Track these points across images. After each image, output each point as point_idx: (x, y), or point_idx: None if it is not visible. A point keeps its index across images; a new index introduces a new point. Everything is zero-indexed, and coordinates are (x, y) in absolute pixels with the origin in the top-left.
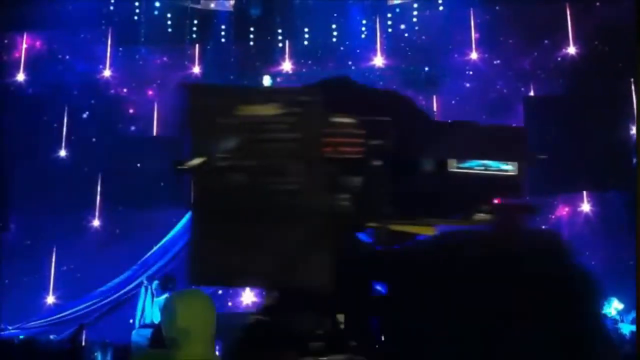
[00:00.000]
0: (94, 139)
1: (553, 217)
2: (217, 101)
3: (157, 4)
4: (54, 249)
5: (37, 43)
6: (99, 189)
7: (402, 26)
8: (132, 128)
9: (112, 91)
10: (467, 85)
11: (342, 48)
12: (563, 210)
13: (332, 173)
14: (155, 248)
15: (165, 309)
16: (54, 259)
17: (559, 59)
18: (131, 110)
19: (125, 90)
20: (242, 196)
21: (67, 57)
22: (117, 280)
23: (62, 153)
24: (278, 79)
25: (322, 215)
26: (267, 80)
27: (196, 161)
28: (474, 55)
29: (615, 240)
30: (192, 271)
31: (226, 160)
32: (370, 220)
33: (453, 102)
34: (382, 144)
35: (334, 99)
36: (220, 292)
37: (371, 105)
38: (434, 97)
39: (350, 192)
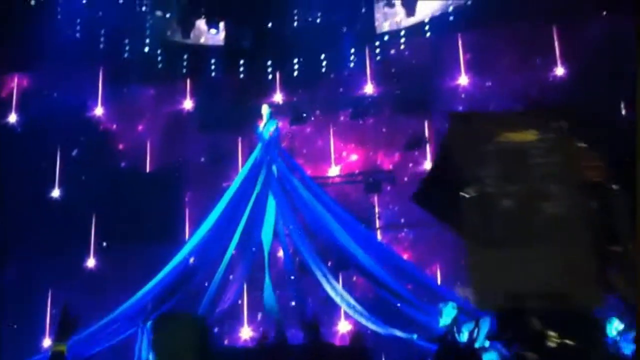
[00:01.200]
0: (83, 177)
1: None
2: (479, 129)
3: (147, 41)
4: (49, 291)
5: (28, 83)
6: (93, 227)
7: (391, 52)
8: (123, 164)
9: (105, 128)
10: (459, 108)
11: (332, 76)
12: None
13: (588, 195)
14: (148, 286)
15: (150, 332)
16: (49, 301)
17: (549, 80)
18: (121, 146)
19: (117, 127)
20: (512, 220)
21: (59, 96)
22: (113, 317)
23: (56, 193)
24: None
25: (586, 236)
26: (265, 109)
27: (469, 190)
28: (463, 80)
29: None
30: (476, 296)
31: (493, 186)
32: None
33: (447, 125)
34: (617, 169)
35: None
36: None
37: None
38: (425, 122)
39: (604, 213)
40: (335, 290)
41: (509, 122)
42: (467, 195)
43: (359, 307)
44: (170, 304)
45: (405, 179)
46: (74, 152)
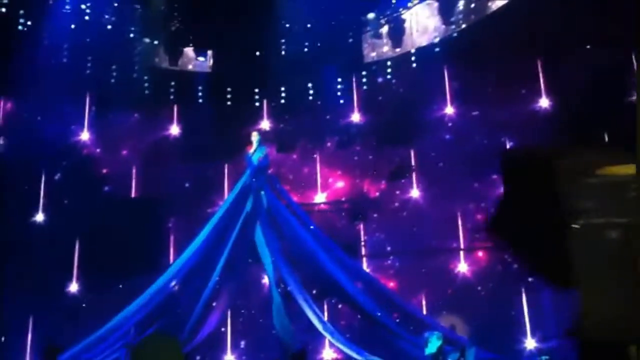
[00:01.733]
0: (66, 202)
1: None
2: (582, 162)
3: (135, 67)
4: (31, 316)
5: (14, 107)
6: (76, 253)
7: (378, 82)
8: (108, 190)
9: (90, 154)
10: (444, 138)
11: (319, 105)
12: None
13: None
14: (127, 311)
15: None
16: (30, 327)
17: (534, 111)
18: (106, 172)
19: (103, 152)
20: (619, 251)
21: (45, 121)
22: (90, 341)
23: (39, 217)
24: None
25: None
26: (255, 136)
27: (578, 221)
28: (449, 110)
29: None
30: (585, 327)
31: (600, 218)
32: None
33: (433, 154)
34: None
35: None
36: None
37: None
38: (412, 151)
39: None
40: (318, 318)
41: (607, 155)
42: (573, 227)
43: (342, 337)
44: (151, 330)
45: (392, 206)
46: (57, 177)
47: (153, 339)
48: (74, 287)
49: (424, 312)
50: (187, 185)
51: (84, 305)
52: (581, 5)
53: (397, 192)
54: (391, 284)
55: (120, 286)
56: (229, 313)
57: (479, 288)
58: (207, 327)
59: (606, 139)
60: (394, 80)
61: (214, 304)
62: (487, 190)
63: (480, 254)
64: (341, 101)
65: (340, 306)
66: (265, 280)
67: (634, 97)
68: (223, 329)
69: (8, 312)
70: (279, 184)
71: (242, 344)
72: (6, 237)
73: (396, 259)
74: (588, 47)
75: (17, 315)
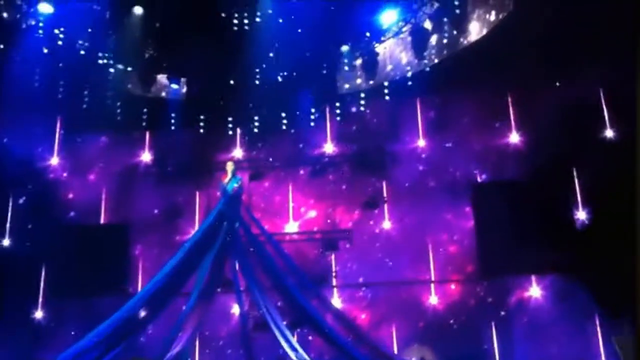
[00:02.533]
0: (30, 226)
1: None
2: None
3: (108, 93)
4: None
5: None
6: (42, 278)
7: (351, 113)
8: (76, 215)
9: (59, 178)
10: (417, 169)
11: (292, 134)
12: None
13: None
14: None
15: None
16: None
17: (505, 145)
18: (75, 197)
19: (72, 177)
20: None
21: (14, 144)
22: None
23: (5, 242)
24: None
25: None
26: (230, 166)
27: None
28: (421, 142)
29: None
30: None
31: None
32: None
33: (407, 183)
34: None
35: None
36: None
37: None
38: (384, 182)
39: None
40: (291, 347)
41: None
42: None
43: None
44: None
45: (365, 237)
46: (23, 201)
47: None
48: (39, 314)
49: (395, 344)
50: (156, 211)
51: (50, 329)
52: (552, 42)
53: (370, 223)
54: (363, 316)
55: (86, 313)
56: (197, 343)
57: (451, 321)
58: (169, 355)
59: (575, 174)
60: (367, 111)
61: (179, 333)
62: (460, 222)
63: (452, 286)
64: (315, 131)
65: (310, 338)
66: (235, 310)
67: (604, 134)
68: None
69: None
70: (252, 214)
71: None
72: None
73: (369, 290)
74: (557, 84)
75: None
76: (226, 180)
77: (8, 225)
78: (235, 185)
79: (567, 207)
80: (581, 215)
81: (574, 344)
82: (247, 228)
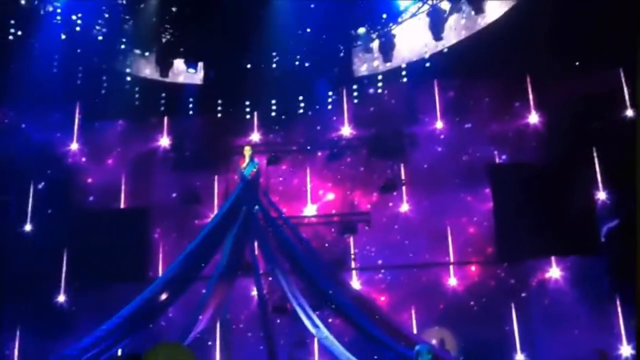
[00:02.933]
0: (49, 211)
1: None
2: None
3: (126, 78)
4: (18, 327)
5: (4, 117)
6: (64, 263)
7: (369, 96)
8: (96, 200)
9: (79, 164)
10: (435, 152)
11: (309, 118)
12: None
13: None
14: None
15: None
16: (17, 338)
17: (524, 126)
18: (95, 182)
19: (91, 163)
20: None
21: (34, 130)
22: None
23: (27, 227)
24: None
25: None
26: (247, 151)
27: None
28: (439, 124)
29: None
30: None
31: None
32: None
33: (425, 165)
34: None
35: None
36: None
37: None
38: (402, 165)
39: None
40: (313, 324)
41: None
42: None
43: (337, 344)
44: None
45: (383, 219)
46: (44, 186)
47: (165, 347)
48: (61, 297)
49: (414, 326)
50: (175, 196)
51: (72, 314)
52: (571, 23)
53: (390, 205)
54: (382, 298)
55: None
56: (217, 327)
57: (472, 303)
58: (190, 338)
59: (595, 154)
60: (384, 94)
61: (200, 317)
62: (479, 204)
63: (472, 268)
64: (332, 114)
65: (330, 320)
66: (255, 293)
67: (624, 114)
68: (210, 343)
69: None
70: (270, 198)
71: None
72: None
73: (388, 272)
74: (577, 63)
75: (5, 325)
76: (244, 164)
77: (29, 210)
78: (253, 169)
79: (587, 188)
80: (601, 195)
81: (595, 326)
82: (265, 211)
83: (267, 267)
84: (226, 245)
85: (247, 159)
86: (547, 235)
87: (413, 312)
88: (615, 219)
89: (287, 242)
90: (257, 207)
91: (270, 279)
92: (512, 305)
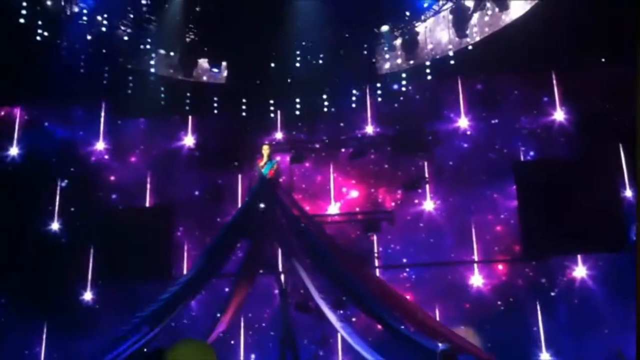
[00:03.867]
0: (72, 209)
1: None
2: None
3: (152, 78)
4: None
5: (32, 116)
6: (90, 261)
7: (393, 93)
8: (123, 199)
9: (105, 163)
10: (461, 148)
11: (333, 116)
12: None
13: None
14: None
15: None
16: (44, 335)
17: (552, 122)
18: (121, 181)
19: (118, 161)
20: None
21: (61, 129)
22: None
23: (55, 226)
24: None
25: None
26: (265, 149)
27: None
28: (463, 122)
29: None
30: None
31: None
32: None
33: (451, 162)
34: None
35: None
36: None
37: None
38: (425, 164)
39: None
40: (337, 316)
41: None
42: None
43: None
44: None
45: (408, 217)
46: (72, 185)
47: (187, 344)
48: (87, 295)
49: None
50: (201, 195)
51: (97, 311)
52: (595, 18)
53: (415, 202)
54: (407, 297)
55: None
56: (241, 325)
57: (499, 302)
58: (213, 336)
59: (621, 149)
60: (408, 91)
61: (217, 315)
62: (506, 201)
63: (500, 267)
64: (356, 112)
65: (354, 319)
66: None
67: None
68: (233, 342)
69: (21, 320)
70: (292, 196)
71: (253, 357)
72: (21, 246)
73: (412, 271)
74: (603, 60)
75: (32, 323)
76: (262, 163)
77: (56, 209)
78: (271, 168)
79: (613, 185)
80: (628, 193)
81: (625, 327)
82: (285, 210)
83: (287, 265)
84: (244, 243)
85: (265, 158)
86: (574, 233)
87: (438, 311)
88: None
89: (308, 240)
90: (262, 205)
91: (292, 277)
92: (541, 304)
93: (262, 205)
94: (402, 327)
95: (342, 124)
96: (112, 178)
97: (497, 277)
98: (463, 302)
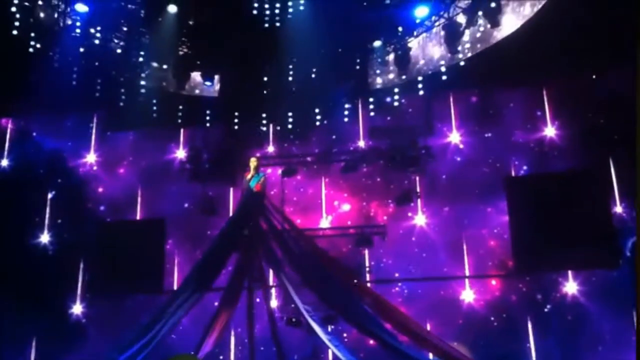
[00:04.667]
0: (60, 221)
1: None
2: None
3: (143, 91)
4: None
5: (22, 128)
6: (80, 274)
7: (385, 107)
8: (112, 212)
9: (96, 175)
10: (454, 163)
11: (325, 130)
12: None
13: None
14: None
15: None
16: (33, 349)
17: (538, 140)
18: (111, 194)
19: (108, 174)
20: None
21: (52, 142)
22: None
23: (45, 238)
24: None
25: None
26: (253, 162)
27: None
28: (455, 137)
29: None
30: None
31: None
32: None
33: (444, 176)
34: None
35: None
36: None
37: None
38: (417, 178)
39: None
40: (325, 332)
41: None
42: None
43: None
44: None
45: (400, 231)
46: (58, 197)
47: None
48: (77, 308)
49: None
50: (191, 208)
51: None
52: (586, 36)
53: (409, 215)
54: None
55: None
56: (232, 341)
57: (492, 318)
58: (202, 352)
59: (611, 165)
60: (400, 106)
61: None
62: (500, 216)
63: (493, 282)
64: (348, 126)
65: (345, 335)
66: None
67: None
68: (222, 358)
69: (10, 334)
70: (281, 210)
71: None
72: (9, 258)
73: (405, 285)
74: (594, 77)
75: (19, 336)
76: (249, 176)
77: (46, 221)
78: (258, 181)
79: (604, 201)
80: (618, 209)
81: (621, 343)
82: (272, 224)
83: (276, 280)
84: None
85: (252, 171)
86: (567, 249)
87: (430, 327)
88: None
89: (297, 254)
90: (261, 218)
91: (282, 291)
92: (534, 320)
93: (245, 232)
94: (396, 340)
95: (334, 137)
96: (102, 190)
97: (490, 292)
98: (456, 318)
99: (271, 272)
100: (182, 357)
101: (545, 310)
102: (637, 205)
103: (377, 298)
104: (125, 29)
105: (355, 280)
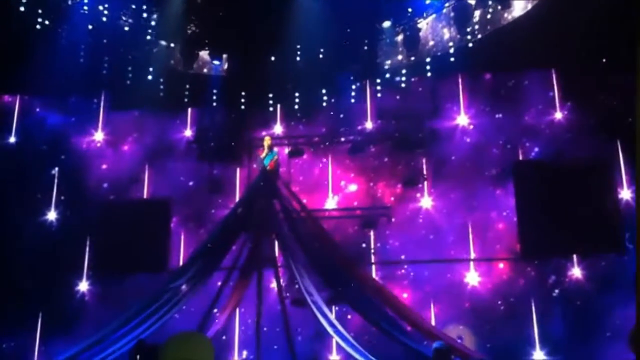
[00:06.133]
0: (63, 199)
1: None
2: None
3: (151, 69)
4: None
5: (30, 105)
6: (87, 251)
7: (392, 89)
8: (118, 190)
9: (104, 153)
10: (463, 145)
11: (332, 112)
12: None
13: None
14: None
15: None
16: (39, 325)
17: (549, 123)
18: (119, 172)
19: (116, 152)
20: None
21: (60, 119)
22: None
23: (52, 216)
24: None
25: None
26: (267, 141)
27: None
28: (462, 119)
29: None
30: None
31: None
32: None
33: (453, 158)
34: None
35: None
36: None
37: None
38: (424, 159)
39: None
40: (329, 322)
41: None
42: None
43: (352, 341)
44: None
45: (407, 213)
46: (65, 176)
47: (183, 336)
48: (83, 286)
49: (433, 322)
50: (197, 187)
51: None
52: (598, 17)
53: (417, 195)
54: (405, 295)
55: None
56: (236, 320)
57: (499, 302)
58: (210, 332)
59: (619, 149)
60: (409, 87)
61: (214, 310)
62: (508, 199)
63: (501, 265)
64: (355, 107)
65: (349, 316)
66: (273, 285)
67: None
68: (224, 337)
69: (16, 310)
70: (291, 189)
71: (245, 353)
72: (17, 235)
73: (411, 268)
74: (604, 60)
75: (26, 313)
76: (262, 155)
77: (53, 200)
78: (272, 160)
79: (612, 186)
80: (626, 194)
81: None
82: (284, 203)
83: (285, 260)
84: (243, 237)
85: (266, 149)
86: (574, 233)
87: (436, 310)
88: None
89: (306, 234)
90: (275, 197)
91: (288, 271)
92: (542, 305)
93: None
94: (396, 327)
95: (341, 120)
96: (109, 169)
97: (498, 276)
98: (463, 301)
99: (277, 250)
100: (187, 335)
101: (554, 294)
102: (637, 198)
103: (379, 287)
104: (133, 7)
105: (358, 268)
